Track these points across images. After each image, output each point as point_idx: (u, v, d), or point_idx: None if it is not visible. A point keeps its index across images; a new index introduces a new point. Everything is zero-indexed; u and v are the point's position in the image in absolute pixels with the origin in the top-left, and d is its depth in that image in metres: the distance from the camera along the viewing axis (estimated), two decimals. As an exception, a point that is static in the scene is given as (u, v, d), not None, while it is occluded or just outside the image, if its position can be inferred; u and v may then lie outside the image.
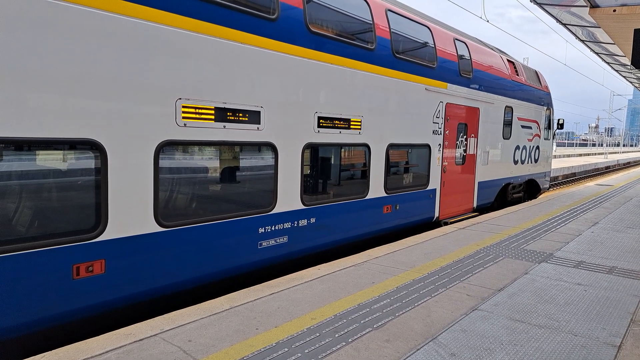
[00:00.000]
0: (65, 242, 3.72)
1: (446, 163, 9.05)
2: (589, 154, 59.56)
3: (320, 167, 6.38)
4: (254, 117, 5.18)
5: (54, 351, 3.33)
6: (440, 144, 8.76)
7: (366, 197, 7.04)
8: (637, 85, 25.57)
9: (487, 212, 11.40)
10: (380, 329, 3.85)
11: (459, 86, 9.09)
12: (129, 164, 4.10)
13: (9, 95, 3.34)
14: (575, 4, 9.62)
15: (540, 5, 10.08)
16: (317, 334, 3.72)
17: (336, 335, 3.71)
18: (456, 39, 9.19)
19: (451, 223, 9.27)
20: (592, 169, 33.67)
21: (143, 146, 4.19)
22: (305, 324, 3.92)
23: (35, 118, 3.49)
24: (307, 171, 6.09)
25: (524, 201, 13.47)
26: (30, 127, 3.47)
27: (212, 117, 4.74)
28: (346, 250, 7.17)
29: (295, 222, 5.85)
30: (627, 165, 45.90)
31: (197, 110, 4.60)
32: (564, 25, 11.72)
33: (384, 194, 7.41)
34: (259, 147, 5.37)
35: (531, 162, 13.35)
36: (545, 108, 13.89)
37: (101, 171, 3.92)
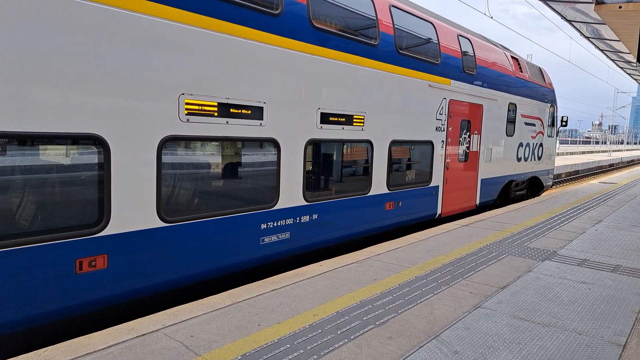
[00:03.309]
0: (69, 237, 3.72)
1: (449, 160, 9.02)
2: (592, 152, 59.33)
3: (323, 163, 6.36)
4: (256, 112, 5.16)
5: (56, 345, 3.33)
6: (443, 141, 8.72)
7: (368, 194, 7.02)
8: (641, 82, 25.39)
9: (490, 209, 11.36)
10: (383, 326, 3.84)
11: (462, 83, 9.04)
12: (132, 159, 4.09)
13: (12, 90, 3.33)
14: (580, 0, 9.54)
15: (544, 1, 9.99)
16: (319, 331, 3.71)
17: (338, 332, 3.69)
18: (460, 36, 9.13)
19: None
20: (595, 166, 33.54)
21: (146, 141, 4.18)
22: (308, 320, 3.92)
23: (38, 113, 3.48)
24: (310, 167, 6.07)
25: (527, 199, 13.42)
26: (34, 121, 3.46)
27: (215, 112, 4.73)
28: (348, 247, 7.15)
29: (298, 218, 5.84)
30: (631, 163, 45.70)
31: (200, 106, 4.58)
32: (569, 21, 11.63)
33: (387, 191, 7.39)
34: (261, 142, 5.35)
35: (534, 160, 13.30)
36: (549, 105, 13.82)
37: (104, 166, 3.91)
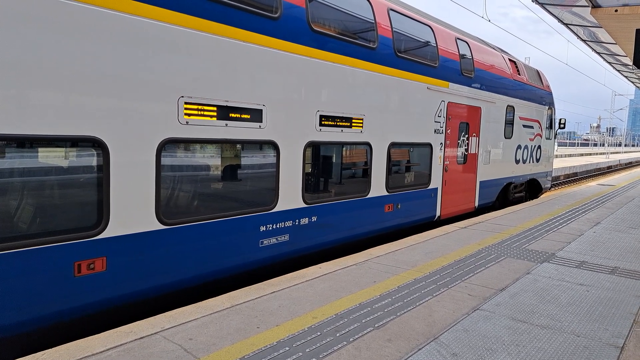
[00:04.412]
0: (67, 240, 3.72)
1: (448, 162, 9.04)
2: (590, 154, 59.46)
3: (322, 165, 6.37)
4: (256, 115, 5.17)
5: (55, 348, 3.32)
6: (441, 143, 8.74)
7: (368, 196, 7.03)
8: (638, 85, 25.50)
9: (489, 211, 11.38)
10: (382, 329, 3.84)
11: (460, 85, 9.07)
12: (131, 161, 4.09)
13: (11, 92, 3.34)
14: (577, 4, 9.58)
15: (541, 5, 10.03)
16: (318, 333, 3.71)
17: (337, 335, 3.70)
18: (458, 38, 9.16)
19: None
20: (593, 168, 33.62)
21: (145, 144, 4.19)
22: (307, 322, 3.92)
23: (37, 115, 3.48)
24: (309, 169, 6.08)
25: (526, 201, 13.44)
26: (33, 124, 3.46)
27: (214, 115, 4.74)
28: (347, 249, 7.16)
29: (297, 220, 5.84)
30: (629, 165, 45.81)
31: (199, 109, 4.59)
32: (566, 25, 11.67)
33: (386, 193, 7.40)
34: (260, 145, 5.36)
35: (533, 162, 13.33)
36: (547, 107, 13.86)
37: (103, 169, 3.92)
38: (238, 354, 3.33)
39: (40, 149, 3.66)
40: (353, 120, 6.58)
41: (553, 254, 6.52)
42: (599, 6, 9.17)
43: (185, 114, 4.48)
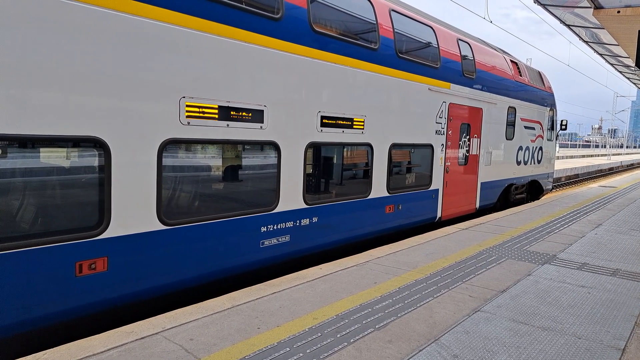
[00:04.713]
0: (69, 240, 3.72)
1: (449, 163, 9.03)
2: (592, 155, 59.38)
3: (323, 166, 6.37)
4: (257, 116, 5.17)
5: (56, 348, 3.33)
6: (443, 144, 8.74)
7: (368, 197, 7.03)
8: (640, 86, 25.43)
9: (490, 212, 11.37)
10: (382, 330, 3.84)
11: (462, 86, 9.07)
12: (133, 161, 4.10)
13: (13, 92, 3.35)
14: (579, 5, 9.57)
15: (543, 5, 10.02)
16: (319, 334, 3.71)
17: (338, 336, 3.70)
18: (459, 40, 9.16)
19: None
20: (595, 170, 33.57)
21: (147, 144, 4.19)
22: (307, 323, 3.92)
23: (39, 115, 3.49)
24: (310, 170, 6.08)
25: (527, 202, 13.43)
26: (34, 124, 3.47)
27: (216, 115, 4.74)
28: (348, 250, 7.16)
29: (298, 221, 5.84)
30: (631, 166, 45.73)
31: (200, 109, 4.59)
32: (568, 26, 11.65)
33: (387, 194, 7.40)
34: (262, 146, 5.36)
35: (534, 163, 13.32)
36: (549, 109, 13.85)
37: (105, 169, 3.92)
38: (239, 355, 3.33)
39: (41, 149, 3.67)
40: (354, 121, 6.58)
41: (554, 256, 6.50)
42: (601, 7, 9.16)
43: (187, 115, 4.48)
